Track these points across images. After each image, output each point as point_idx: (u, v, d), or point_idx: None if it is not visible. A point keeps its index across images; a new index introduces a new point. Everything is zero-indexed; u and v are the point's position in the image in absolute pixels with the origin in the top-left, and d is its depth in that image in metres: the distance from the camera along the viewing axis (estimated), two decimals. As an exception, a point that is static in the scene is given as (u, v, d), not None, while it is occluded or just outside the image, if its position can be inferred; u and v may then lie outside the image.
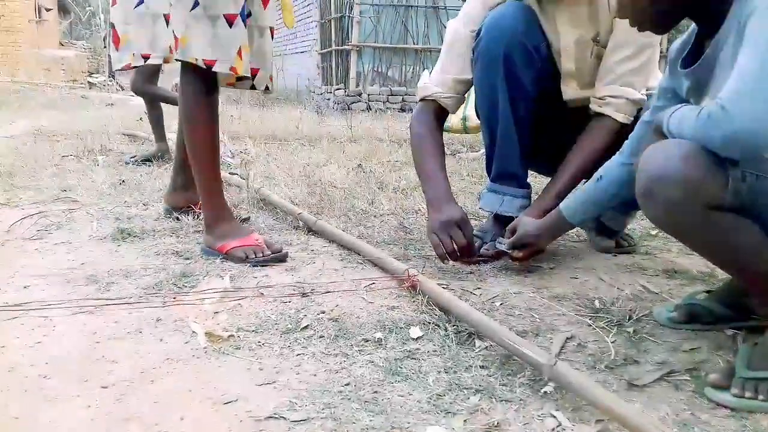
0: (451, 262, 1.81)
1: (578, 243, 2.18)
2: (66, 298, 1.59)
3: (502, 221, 2.01)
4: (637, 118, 1.68)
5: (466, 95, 2.02)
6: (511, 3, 1.85)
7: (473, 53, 1.88)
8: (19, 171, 3.32)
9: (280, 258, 1.89)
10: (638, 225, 2.31)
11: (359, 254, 1.94)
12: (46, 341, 1.36)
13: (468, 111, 4.43)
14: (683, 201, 1.09)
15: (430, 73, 2.04)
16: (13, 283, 1.70)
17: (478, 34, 1.86)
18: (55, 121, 5.72)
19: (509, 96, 1.85)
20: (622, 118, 1.81)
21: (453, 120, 4.46)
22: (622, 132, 1.75)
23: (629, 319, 1.47)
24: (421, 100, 2.01)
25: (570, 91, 1.89)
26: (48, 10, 20.06)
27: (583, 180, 1.82)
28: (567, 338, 1.37)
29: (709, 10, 1.21)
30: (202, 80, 1.89)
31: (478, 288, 1.69)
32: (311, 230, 2.21)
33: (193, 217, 2.29)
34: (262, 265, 1.85)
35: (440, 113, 2.00)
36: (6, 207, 2.56)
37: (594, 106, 1.83)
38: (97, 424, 1.05)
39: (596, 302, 1.57)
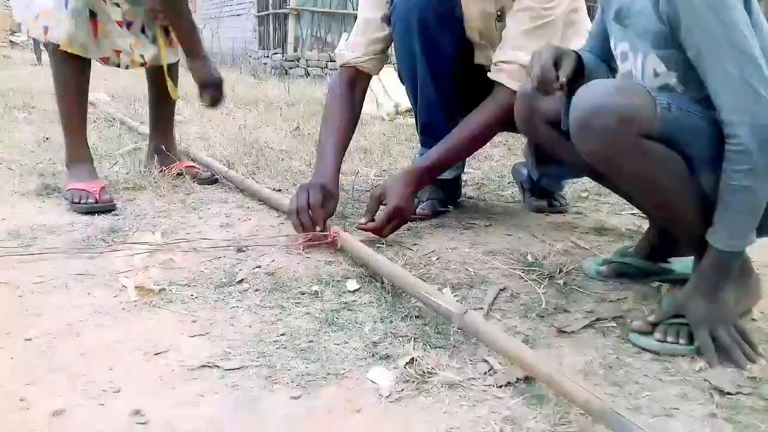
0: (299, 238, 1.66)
1: (513, 203, 2.22)
2: (-15, 252, 1.51)
3: (437, 180, 2.03)
4: None
5: (388, 53, 1.98)
6: None
7: (390, 19, 1.87)
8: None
9: (103, 209, 1.88)
10: (570, 187, 2.37)
11: (278, 211, 1.92)
12: (-36, 295, 1.30)
13: (397, 98, 4.47)
14: (618, 129, 1.12)
15: (348, 37, 2.01)
16: (-74, 238, 1.61)
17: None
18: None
19: (427, 60, 1.85)
20: (516, 86, 1.68)
21: (388, 109, 4.48)
22: None
23: (560, 272, 1.51)
24: (341, 66, 1.97)
25: (480, 57, 1.89)
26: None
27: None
28: (500, 290, 1.40)
29: None
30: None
31: (415, 244, 1.70)
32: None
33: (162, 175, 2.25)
34: (85, 212, 1.86)
35: (358, 78, 1.95)
36: None
37: (491, 74, 1.79)
38: (21, 375, 1.01)
39: (529, 257, 1.61)
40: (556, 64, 1.30)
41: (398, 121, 4.32)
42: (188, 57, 2.18)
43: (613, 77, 1.44)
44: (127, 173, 2.26)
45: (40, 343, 1.12)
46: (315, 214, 1.65)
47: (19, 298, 1.30)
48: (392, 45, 1.93)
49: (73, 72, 2.01)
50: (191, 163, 2.37)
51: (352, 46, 1.94)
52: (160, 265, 1.49)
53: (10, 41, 16.10)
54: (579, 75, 1.37)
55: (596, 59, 1.47)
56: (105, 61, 2.04)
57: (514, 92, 1.68)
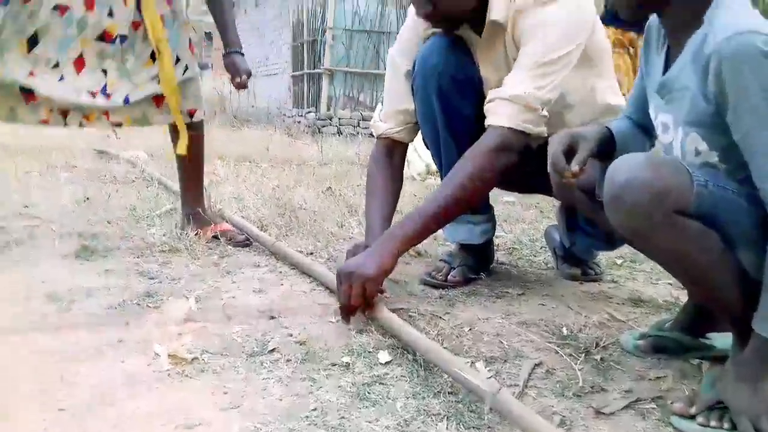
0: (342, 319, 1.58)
1: (546, 270, 2.20)
2: (25, 317, 1.54)
3: (468, 247, 2.02)
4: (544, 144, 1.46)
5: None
6: (441, 37, 1.83)
7: (412, 88, 1.89)
8: (-21, 186, 3.24)
9: None
10: (604, 254, 2.33)
11: (310, 276, 1.93)
12: (3, 362, 1.32)
13: (428, 158, 4.50)
14: (651, 204, 1.10)
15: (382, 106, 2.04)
16: (-32, 301, 1.64)
17: (414, 67, 1.87)
18: (18, 137, 5.59)
19: (449, 127, 1.86)
20: (496, 120, 1.64)
21: (418, 169, 4.52)
22: (517, 141, 1.64)
23: (596, 347, 1.48)
24: (377, 137, 2.01)
25: None
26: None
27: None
28: (535, 365, 1.38)
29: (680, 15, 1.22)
30: None
31: (447, 313, 1.68)
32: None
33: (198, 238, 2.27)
34: None
35: (395, 148, 1.98)
36: (-36, 222, 2.49)
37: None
38: (53, 448, 1.02)
39: (564, 329, 1.58)
40: (572, 150, 1.32)
41: (429, 182, 4.34)
42: (225, 49, 2.34)
43: (652, 145, 1.44)
44: (163, 235, 2.30)
45: (73, 413, 1.12)
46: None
47: (55, 365, 1.31)
48: None
49: None
50: (227, 227, 2.40)
51: (384, 117, 1.97)
52: (194, 332, 1.50)
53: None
54: (609, 150, 1.38)
55: (633, 128, 1.47)
56: (45, 122, 2.05)
57: (502, 128, 1.64)
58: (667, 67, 1.29)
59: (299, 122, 10.09)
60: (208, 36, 21.81)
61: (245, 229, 2.42)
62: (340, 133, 9.09)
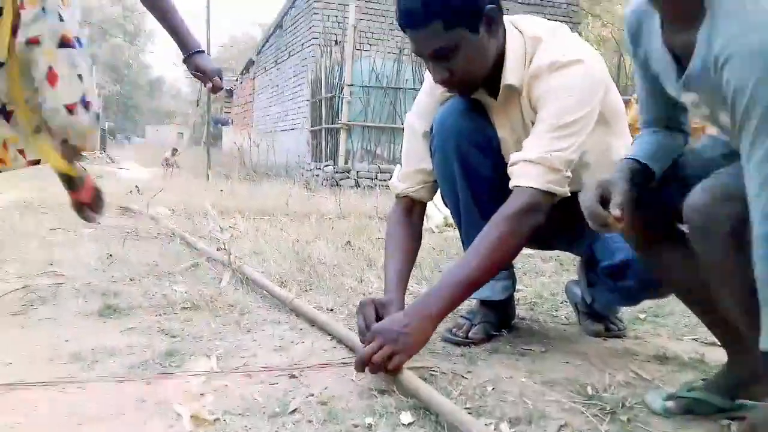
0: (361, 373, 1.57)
1: (568, 326, 2.18)
2: (49, 376, 1.55)
3: (489, 303, 2.01)
4: (573, 197, 1.47)
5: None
6: (459, 100, 1.86)
7: (431, 149, 1.92)
8: (4, 244, 3.30)
9: None
10: (627, 309, 2.31)
11: (330, 334, 1.93)
12: (26, 422, 1.32)
13: (446, 210, 4.53)
14: (713, 227, 1.14)
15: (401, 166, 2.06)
16: (-6, 360, 1.66)
17: (432, 129, 1.91)
18: (44, 194, 5.71)
19: (469, 187, 1.88)
20: (523, 181, 1.65)
21: (437, 221, 4.55)
22: (545, 202, 1.64)
23: (622, 407, 1.45)
24: (396, 196, 2.03)
25: None
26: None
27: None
28: (560, 426, 1.35)
29: None
30: None
31: (469, 372, 1.67)
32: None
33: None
34: None
35: (414, 207, 1.99)
36: (-10, 280, 2.53)
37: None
38: None
39: (589, 388, 1.56)
40: (605, 197, 1.31)
41: (447, 234, 4.35)
42: (184, 52, 2.17)
43: (688, 134, 1.44)
44: (185, 292, 2.32)
45: (96, 477, 1.12)
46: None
47: (78, 426, 1.31)
48: None
49: None
50: (84, 195, 2.35)
51: (402, 178, 2.00)
52: (215, 392, 1.50)
53: (79, 154, 17.07)
54: (647, 175, 1.38)
55: (659, 137, 1.45)
56: None
57: (529, 190, 1.64)
58: (668, 46, 1.27)
59: (317, 175, 10.21)
60: (229, 92, 22.31)
61: (264, 286, 2.43)
62: (357, 185, 9.18)
